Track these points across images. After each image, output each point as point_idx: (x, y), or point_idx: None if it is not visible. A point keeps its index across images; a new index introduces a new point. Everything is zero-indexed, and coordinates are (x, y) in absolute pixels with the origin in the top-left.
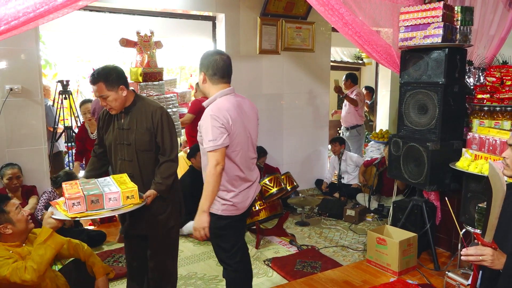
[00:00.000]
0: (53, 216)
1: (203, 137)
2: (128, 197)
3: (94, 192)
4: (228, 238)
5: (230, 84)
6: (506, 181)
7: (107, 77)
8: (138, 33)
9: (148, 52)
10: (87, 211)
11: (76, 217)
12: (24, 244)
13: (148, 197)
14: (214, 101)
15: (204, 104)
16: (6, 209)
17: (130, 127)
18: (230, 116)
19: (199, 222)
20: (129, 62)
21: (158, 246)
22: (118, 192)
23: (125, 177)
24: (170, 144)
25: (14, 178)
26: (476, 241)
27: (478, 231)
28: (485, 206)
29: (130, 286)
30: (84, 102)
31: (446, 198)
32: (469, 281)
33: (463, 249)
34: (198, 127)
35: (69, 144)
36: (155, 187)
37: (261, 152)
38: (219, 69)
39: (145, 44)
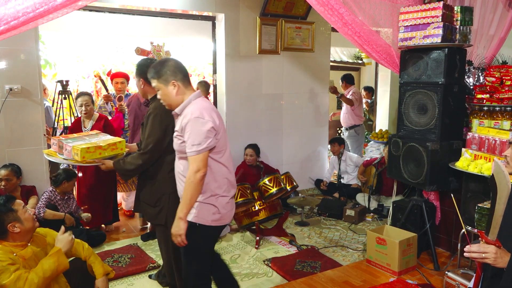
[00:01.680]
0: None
1: (187, 141)
2: (76, 153)
3: (62, 140)
4: (205, 256)
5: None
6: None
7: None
8: (151, 43)
9: None
10: (57, 153)
11: (46, 154)
12: (29, 244)
13: (103, 164)
14: (189, 103)
15: (177, 110)
16: (14, 207)
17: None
18: (215, 116)
19: (176, 229)
20: (128, 62)
21: (159, 239)
22: (70, 147)
23: (112, 140)
24: (146, 141)
25: (3, 180)
26: (480, 239)
27: (475, 230)
28: (484, 206)
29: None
30: (81, 95)
31: (452, 195)
32: (471, 284)
33: (466, 246)
34: (178, 132)
35: None
36: (115, 160)
37: (256, 150)
38: (183, 70)
39: (157, 53)
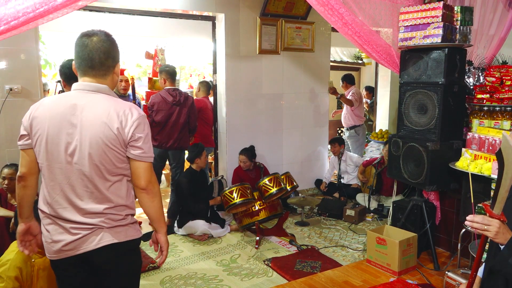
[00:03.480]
0: None
1: None
2: None
3: None
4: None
5: (105, 75)
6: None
7: None
8: (157, 46)
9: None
10: None
11: None
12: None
13: None
14: None
15: None
16: None
17: None
18: (34, 117)
19: None
20: (128, 62)
21: None
22: None
23: None
24: None
25: (7, 178)
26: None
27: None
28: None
29: None
30: None
31: (470, 176)
32: (480, 272)
33: (469, 215)
34: None
35: None
36: None
37: (251, 153)
38: (83, 57)
39: (162, 56)
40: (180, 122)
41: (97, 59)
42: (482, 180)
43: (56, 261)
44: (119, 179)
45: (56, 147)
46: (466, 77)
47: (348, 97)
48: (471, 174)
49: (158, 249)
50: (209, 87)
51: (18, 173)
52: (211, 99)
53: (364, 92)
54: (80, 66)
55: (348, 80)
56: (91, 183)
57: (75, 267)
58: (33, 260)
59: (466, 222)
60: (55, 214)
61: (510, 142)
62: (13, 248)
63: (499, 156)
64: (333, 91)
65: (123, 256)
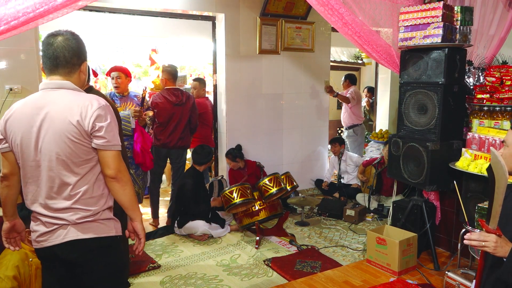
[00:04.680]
0: None
1: None
2: None
3: None
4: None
5: (72, 73)
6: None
7: None
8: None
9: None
10: None
11: None
12: None
13: None
14: None
15: None
16: None
17: None
18: (6, 120)
19: None
20: (128, 62)
21: None
22: None
23: None
24: None
25: None
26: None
27: (476, 231)
28: (484, 206)
29: None
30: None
31: (455, 183)
32: (473, 286)
33: (467, 234)
34: None
35: None
36: None
37: (234, 153)
38: (48, 56)
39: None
40: (182, 122)
41: (62, 57)
42: (482, 180)
43: (37, 251)
44: (87, 172)
45: (27, 147)
46: (466, 77)
47: (346, 96)
48: (471, 173)
49: (134, 238)
50: (203, 83)
51: (1, 174)
52: (210, 98)
53: (366, 93)
54: (46, 65)
55: (351, 80)
56: (58, 178)
57: (50, 260)
58: (30, 259)
59: (464, 241)
60: (32, 209)
61: (498, 157)
62: None
63: (490, 172)
64: (329, 89)
65: (94, 254)
